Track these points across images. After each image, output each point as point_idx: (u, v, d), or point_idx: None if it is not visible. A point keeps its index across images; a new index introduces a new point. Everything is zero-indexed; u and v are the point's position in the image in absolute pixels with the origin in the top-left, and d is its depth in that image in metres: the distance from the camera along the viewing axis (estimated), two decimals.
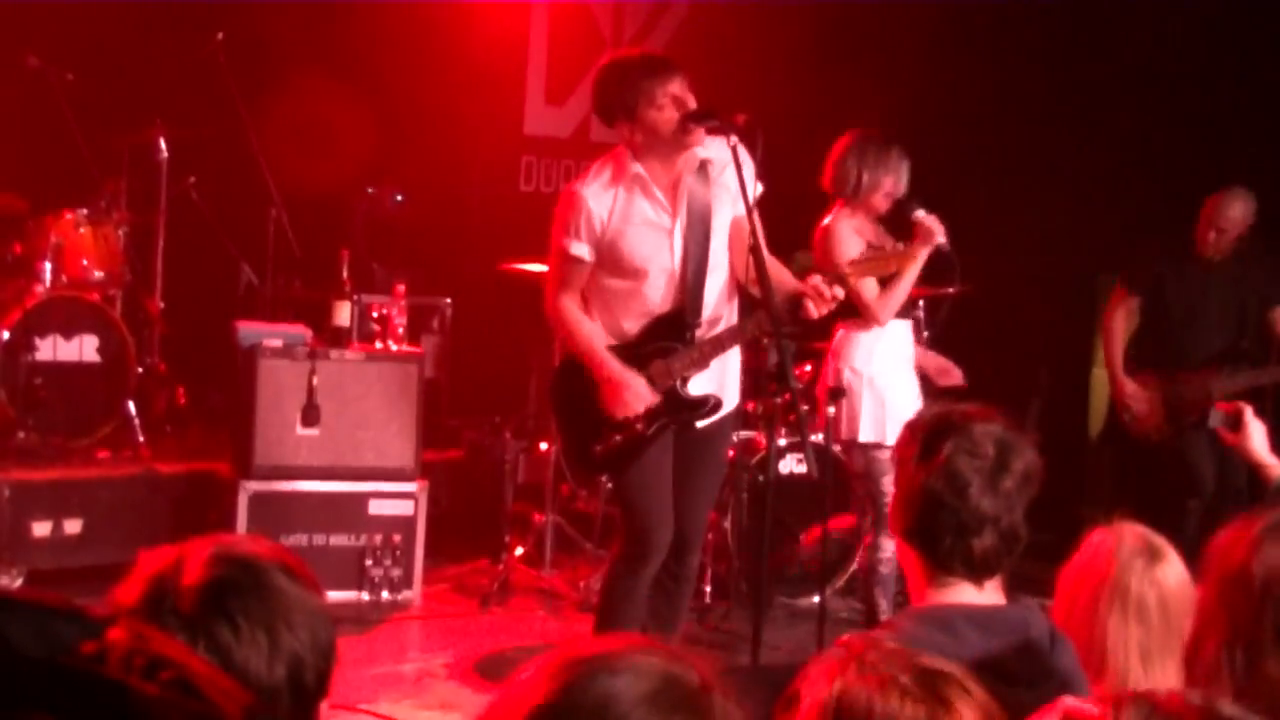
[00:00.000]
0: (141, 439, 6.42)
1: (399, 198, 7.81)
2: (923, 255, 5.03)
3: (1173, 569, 2.57)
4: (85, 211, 6.44)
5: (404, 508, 6.07)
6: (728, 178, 4.34)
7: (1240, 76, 7.34)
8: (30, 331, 6.18)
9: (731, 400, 4.59)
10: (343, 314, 6.24)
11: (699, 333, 4.43)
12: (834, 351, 5.27)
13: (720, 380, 4.52)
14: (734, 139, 4.23)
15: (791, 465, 6.24)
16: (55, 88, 6.69)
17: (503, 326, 7.55)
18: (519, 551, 6.55)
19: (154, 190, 6.89)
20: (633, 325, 4.44)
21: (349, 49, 7.82)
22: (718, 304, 4.48)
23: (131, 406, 6.43)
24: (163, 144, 6.84)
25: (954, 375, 5.76)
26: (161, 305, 6.94)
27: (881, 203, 5.17)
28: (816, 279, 4.31)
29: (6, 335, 6.11)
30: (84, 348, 6.34)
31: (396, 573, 6.03)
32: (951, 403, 2.61)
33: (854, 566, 5.92)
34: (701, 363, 4.42)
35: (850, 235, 5.11)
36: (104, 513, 5.98)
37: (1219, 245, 6.23)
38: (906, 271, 5.01)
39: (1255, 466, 3.47)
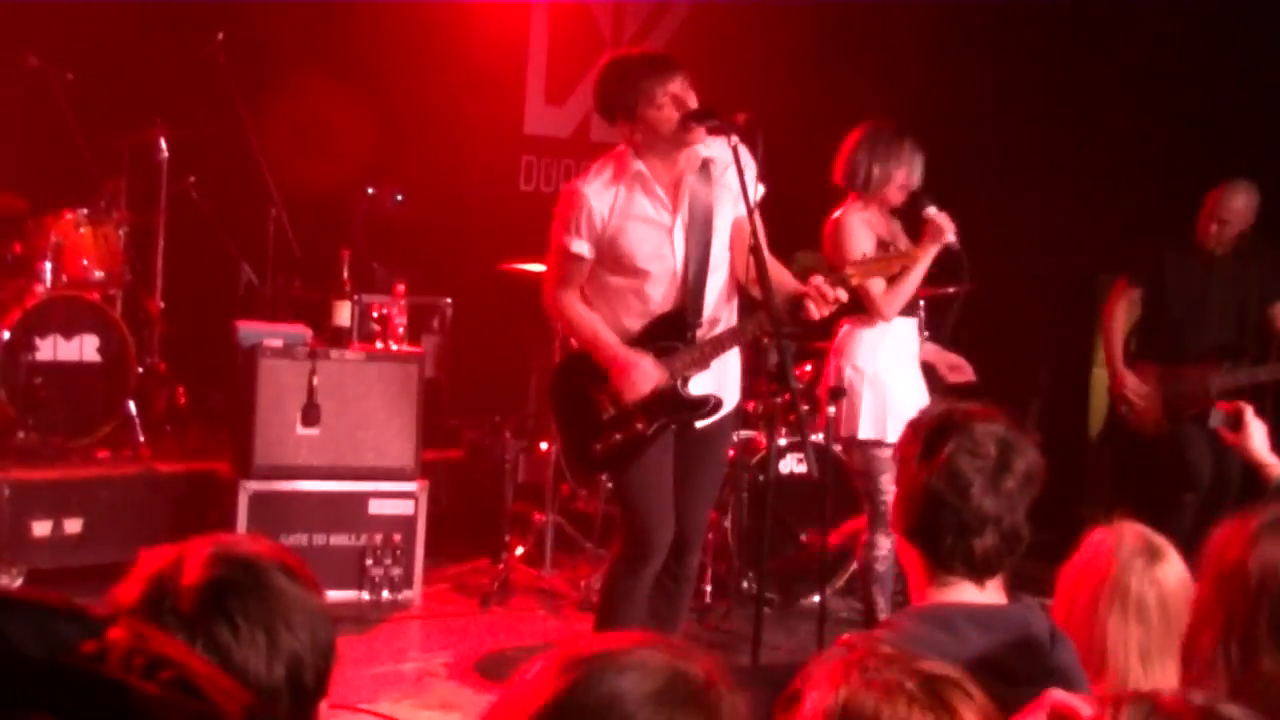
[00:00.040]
0: (141, 439, 6.42)
1: (399, 198, 7.81)
2: (930, 253, 5.01)
3: (1173, 568, 2.57)
4: (85, 211, 6.44)
5: (404, 507, 6.07)
6: (730, 178, 4.33)
7: (1240, 76, 7.34)
8: (30, 331, 6.18)
9: (731, 400, 4.59)
10: (343, 314, 6.24)
11: (700, 333, 4.43)
12: (837, 348, 5.24)
13: (720, 380, 4.52)
14: (734, 139, 4.23)
15: (791, 465, 6.24)
16: (55, 88, 6.69)
17: (503, 326, 7.55)
18: (519, 551, 6.55)
19: (154, 190, 6.90)
20: (634, 324, 4.44)
21: (349, 49, 7.82)
22: (718, 304, 4.48)
23: (131, 406, 6.43)
24: (163, 144, 6.85)
25: (965, 371, 5.73)
26: (161, 305, 6.94)
27: (895, 195, 5.12)
28: (818, 280, 4.30)
29: (6, 335, 6.11)
30: (84, 347, 6.34)
31: (397, 572, 6.03)
32: (955, 401, 2.61)
33: (854, 566, 5.92)
34: (702, 363, 4.42)
35: (860, 229, 5.08)
36: (104, 512, 5.98)
37: (1220, 237, 6.22)
38: (914, 268, 4.99)
39: (1256, 466, 3.47)
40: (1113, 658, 2.52)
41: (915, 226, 5.11)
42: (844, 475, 5.47)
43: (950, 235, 4.95)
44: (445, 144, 8.22)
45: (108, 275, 6.53)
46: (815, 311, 4.30)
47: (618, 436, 4.41)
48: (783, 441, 5.89)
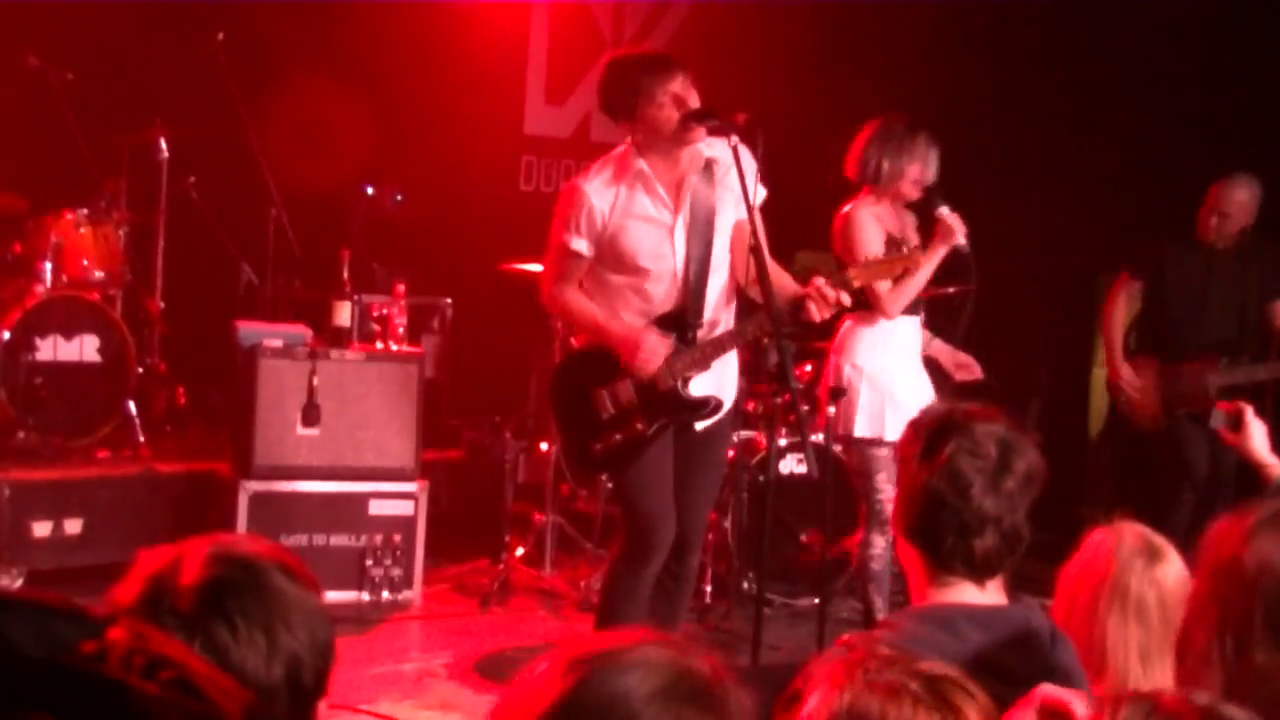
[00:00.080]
0: (141, 439, 6.42)
1: (399, 198, 7.81)
2: (938, 255, 5.00)
3: (1172, 568, 2.57)
4: (85, 211, 6.44)
5: (404, 508, 6.07)
6: (733, 179, 4.33)
7: (1240, 76, 7.34)
8: (30, 331, 6.18)
9: (729, 400, 4.59)
10: (343, 314, 6.24)
11: (700, 334, 4.43)
12: (837, 346, 5.21)
13: (719, 381, 4.52)
14: (735, 139, 4.22)
15: (792, 465, 6.24)
16: (55, 88, 6.69)
17: (503, 326, 7.55)
18: (519, 551, 6.55)
19: (154, 190, 6.89)
20: (634, 321, 4.43)
21: (349, 49, 7.82)
22: (718, 306, 4.47)
23: (131, 406, 6.43)
24: (163, 144, 6.84)
25: (973, 370, 5.71)
26: (161, 305, 6.94)
27: (909, 190, 5.10)
28: (820, 282, 4.29)
29: (7, 335, 6.10)
30: (84, 348, 6.34)
31: (396, 573, 6.03)
32: (959, 401, 2.61)
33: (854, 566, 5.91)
34: (703, 363, 4.42)
35: (869, 223, 5.06)
36: (104, 513, 5.98)
37: (1221, 231, 6.21)
38: (921, 268, 4.98)
39: (1256, 466, 3.47)
40: (1113, 658, 2.52)
41: (930, 223, 5.10)
42: (844, 475, 5.46)
43: (960, 238, 4.94)
44: (445, 144, 8.22)
45: (108, 275, 6.53)
46: (817, 314, 4.29)
47: (618, 436, 4.41)
48: (783, 442, 5.88)
